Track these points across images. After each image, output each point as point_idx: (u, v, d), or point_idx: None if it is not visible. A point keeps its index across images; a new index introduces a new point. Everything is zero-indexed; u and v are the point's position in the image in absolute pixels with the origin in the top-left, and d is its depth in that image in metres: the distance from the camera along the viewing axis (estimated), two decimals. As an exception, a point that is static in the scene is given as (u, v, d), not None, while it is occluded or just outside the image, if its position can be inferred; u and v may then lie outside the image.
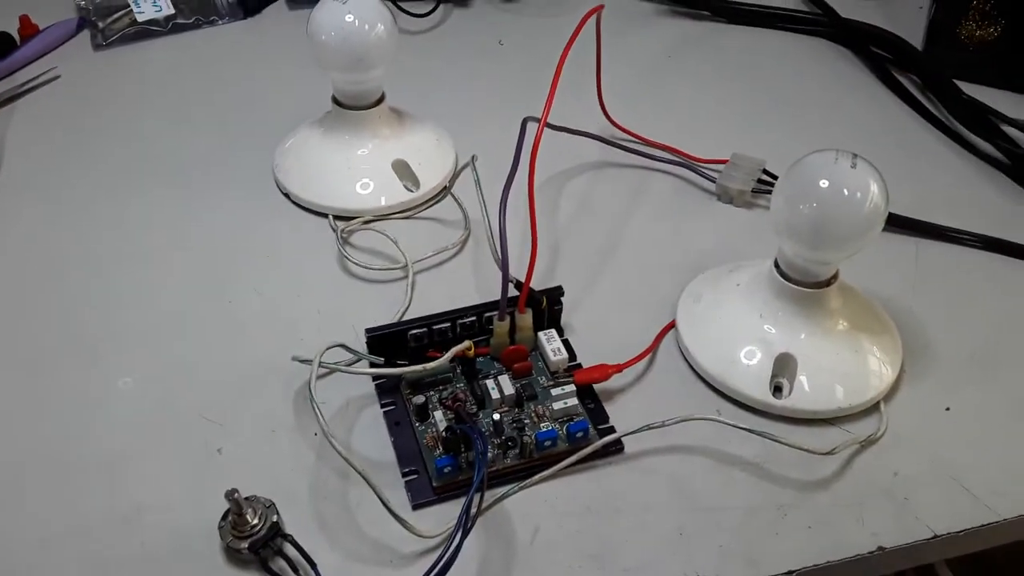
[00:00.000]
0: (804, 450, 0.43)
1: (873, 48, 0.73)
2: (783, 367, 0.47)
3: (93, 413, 0.46)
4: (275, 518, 0.39)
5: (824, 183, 0.43)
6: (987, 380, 0.48)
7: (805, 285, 0.46)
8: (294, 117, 0.63)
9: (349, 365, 0.46)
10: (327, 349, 0.43)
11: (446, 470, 0.42)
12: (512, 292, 0.46)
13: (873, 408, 0.47)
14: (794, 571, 0.40)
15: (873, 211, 0.43)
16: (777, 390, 0.47)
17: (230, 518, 0.39)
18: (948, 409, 0.47)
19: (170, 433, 0.45)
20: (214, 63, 0.73)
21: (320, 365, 0.42)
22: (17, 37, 0.72)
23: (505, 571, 0.40)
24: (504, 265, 0.45)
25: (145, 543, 0.40)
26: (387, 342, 0.46)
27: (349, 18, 0.54)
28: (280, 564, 0.39)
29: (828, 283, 0.46)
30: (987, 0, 0.68)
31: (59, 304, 0.52)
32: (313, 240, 0.56)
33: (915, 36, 0.73)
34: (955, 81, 0.68)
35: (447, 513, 0.42)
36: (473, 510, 0.38)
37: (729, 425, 0.44)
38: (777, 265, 0.47)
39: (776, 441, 0.44)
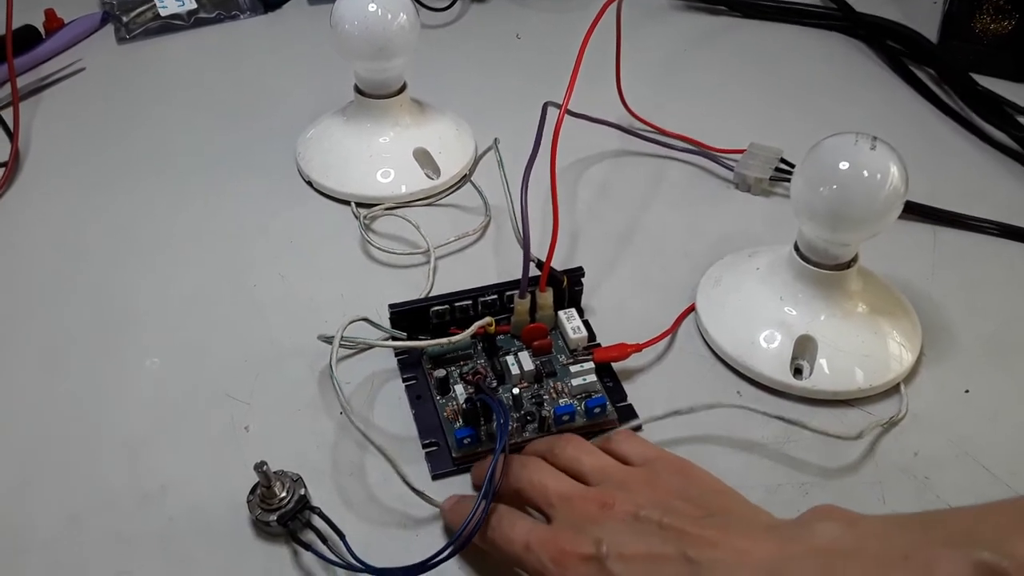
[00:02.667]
0: (829, 435, 0.44)
1: (888, 42, 0.74)
2: (803, 349, 0.47)
3: (121, 392, 0.47)
4: (302, 491, 0.40)
5: (844, 164, 0.43)
6: (1005, 363, 0.49)
7: (825, 267, 0.46)
8: (314, 109, 0.64)
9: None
10: (350, 323, 0.44)
11: (465, 441, 0.42)
12: (533, 272, 0.47)
13: (893, 390, 0.47)
14: (816, 547, 0.40)
15: (892, 193, 0.44)
16: (797, 372, 0.47)
17: (259, 491, 0.40)
18: (967, 391, 0.47)
19: (197, 412, 0.46)
20: (236, 56, 0.74)
21: (343, 340, 0.43)
22: (42, 30, 0.74)
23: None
24: (525, 241, 0.45)
25: (173, 519, 0.41)
26: (409, 318, 0.47)
27: (372, 8, 0.54)
28: (309, 536, 0.39)
29: (848, 265, 0.47)
30: (1002, -6, 0.68)
31: (85, 289, 0.53)
32: (335, 226, 0.57)
33: (929, 30, 0.73)
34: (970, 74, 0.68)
35: (466, 483, 0.42)
36: (494, 480, 0.38)
37: (752, 410, 0.45)
38: (797, 248, 0.47)
39: (798, 426, 0.44)
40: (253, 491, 0.40)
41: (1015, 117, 0.65)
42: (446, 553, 0.36)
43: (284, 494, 0.40)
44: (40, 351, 0.49)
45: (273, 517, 0.39)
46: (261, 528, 0.40)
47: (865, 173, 0.43)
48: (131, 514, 0.41)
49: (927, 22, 0.74)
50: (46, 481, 0.43)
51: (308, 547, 0.39)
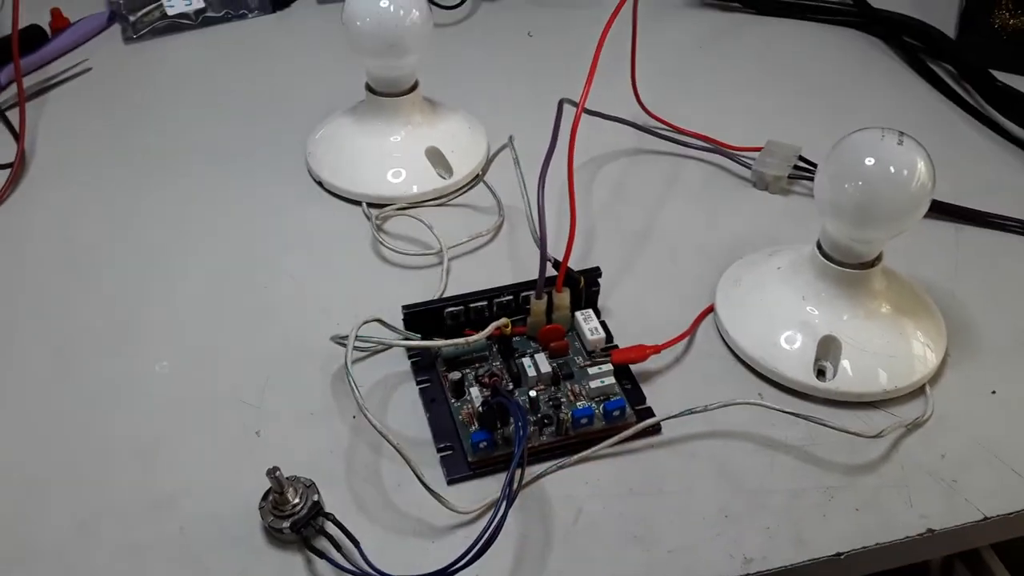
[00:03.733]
0: (851, 433, 0.43)
1: (905, 38, 0.73)
2: (827, 350, 0.46)
3: (131, 397, 0.46)
4: (316, 497, 0.39)
5: (870, 160, 0.42)
6: (1033, 364, 0.48)
7: (849, 266, 0.45)
8: (324, 109, 0.63)
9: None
10: (364, 323, 0.43)
11: (481, 445, 0.41)
12: (549, 272, 0.46)
13: (918, 391, 0.46)
14: (843, 553, 0.39)
15: (920, 189, 0.43)
16: (820, 373, 0.46)
17: (271, 497, 0.39)
18: (994, 392, 0.46)
19: (208, 416, 0.45)
20: (244, 56, 0.73)
21: (357, 339, 0.42)
22: (49, 30, 0.73)
23: (546, 548, 0.39)
24: (542, 241, 0.45)
25: (184, 526, 0.40)
26: (424, 319, 0.46)
27: (384, 4, 0.54)
28: (323, 544, 0.38)
29: (872, 264, 0.46)
30: (1020, -12, 0.67)
31: (92, 293, 0.52)
32: (346, 227, 0.56)
33: (947, 26, 0.72)
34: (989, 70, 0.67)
35: (482, 489, 0.41)
36: (514, 484, 0.37)
37: (773, 409, 0.44)
38: (820, 246, 0.46)
39: (822, 424, 0.43)
40: (265, 497, 0.39)
41: (1037, 113, 0.64)
42: (465, 561, 0.35)
43: (297, 500, 0.39)
44: (48, 356, 0.48)
45: (286, 524, 0.38)
46: (274, 535, 0.39)
47: (892, 169, 0.42)
48: (141, 521, 0.40)
49: (944, 17, 0.73)
50: (55, 487, 0.42)
51: (322, 555, 0.38)
